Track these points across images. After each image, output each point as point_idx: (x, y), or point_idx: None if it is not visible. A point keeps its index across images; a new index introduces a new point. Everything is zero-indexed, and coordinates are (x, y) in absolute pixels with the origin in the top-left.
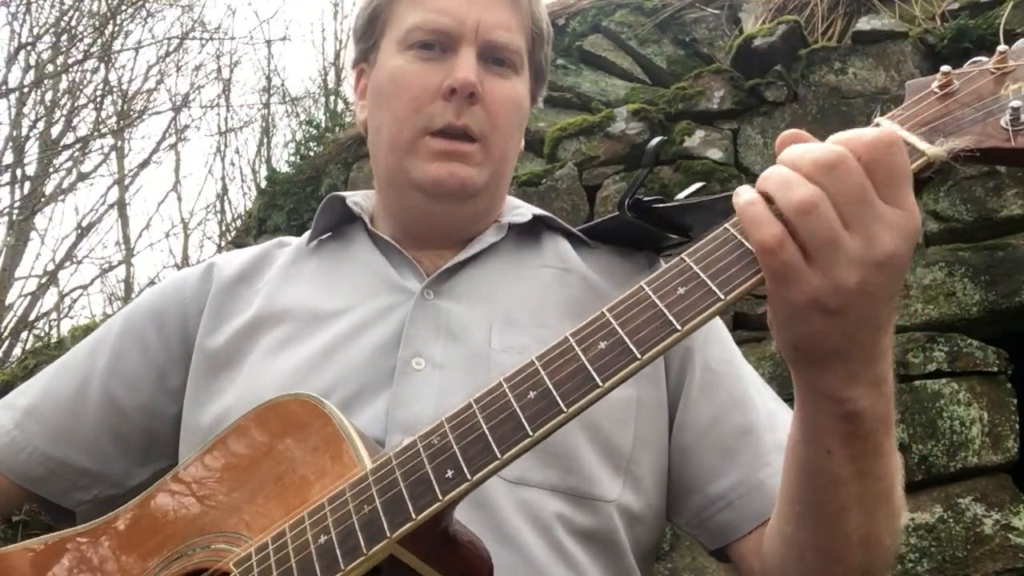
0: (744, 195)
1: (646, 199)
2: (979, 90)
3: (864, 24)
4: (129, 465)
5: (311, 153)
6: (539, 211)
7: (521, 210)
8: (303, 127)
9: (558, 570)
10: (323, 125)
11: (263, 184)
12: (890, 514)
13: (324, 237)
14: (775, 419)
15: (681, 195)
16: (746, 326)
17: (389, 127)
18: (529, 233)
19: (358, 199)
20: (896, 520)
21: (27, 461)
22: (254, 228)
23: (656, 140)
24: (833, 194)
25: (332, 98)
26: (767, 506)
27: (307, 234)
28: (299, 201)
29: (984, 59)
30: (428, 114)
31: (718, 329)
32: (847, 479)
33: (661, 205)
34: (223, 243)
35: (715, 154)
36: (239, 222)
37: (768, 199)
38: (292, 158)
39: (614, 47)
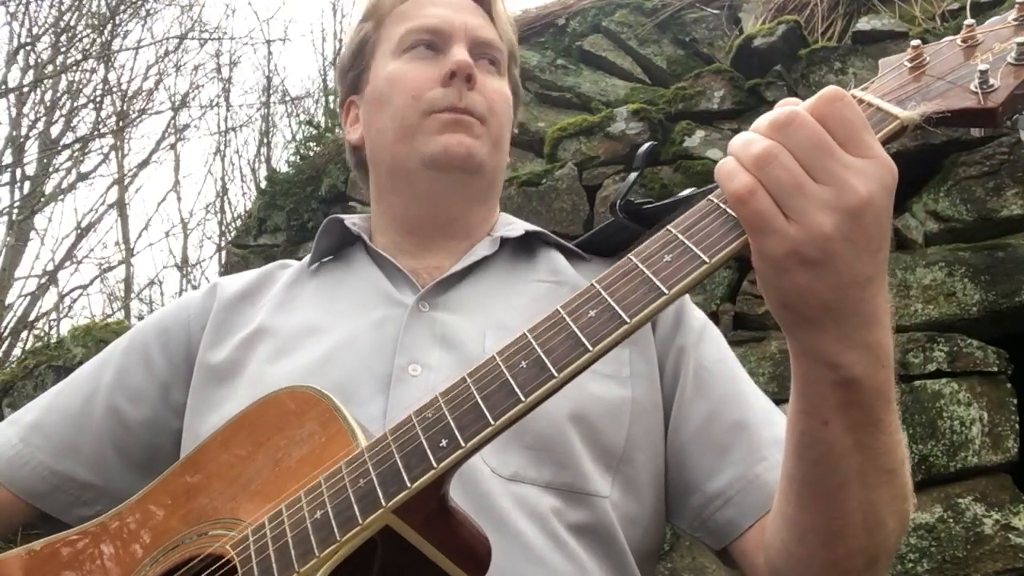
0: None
1: (637, 201)
2: (948, 61)
3: (864, 24)
4: (132, 480)
5: (311, 153)
6: (531, 227)
7: (514, 226)
8: (303, 127)
9: (556, 558)
10: (323, 125)
11: (263, 184)
12: (895, 496)
13: (325, 260)
14: (771, 416)
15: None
16: (746, 326)
17: (392, 120)
18: (523, 249)
19: (357, 220)
20: (902, 503)
21: (31, 475)
22: (254, 228)
23: (647, 144)
24: (791, 147)
25: (332, 98)
26: (765, 499)
27: (308, 257)
28: (299, 201)
29: (952, 36)
30: (429, 99)
31: (712, 331)
32: (845, 451)
33: (652, 205)
34: (223, 243)
35: (715, 154)
36: (239, 222)
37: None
38: (292, 158)
39: (614, 47)
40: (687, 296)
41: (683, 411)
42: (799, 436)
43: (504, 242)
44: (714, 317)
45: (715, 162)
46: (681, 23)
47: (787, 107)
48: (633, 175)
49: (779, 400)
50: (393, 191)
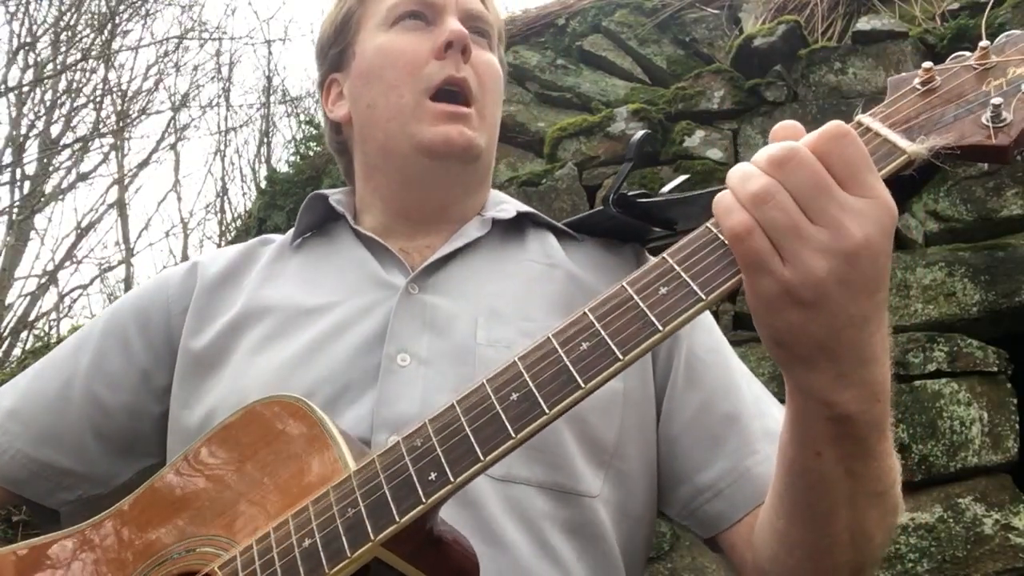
0: (722, 190)
1: (631, 194)
2: (960, 86)
3: (864, 24)
4: (113, 465)
5: (311, 153)
6: (523, 207)
7: (505, 206)
8: (303, 127)
9: (543, 567)
10: (323, 125)
11: (263, 184)
12: (884, 513)
13: (308, 235)
14: (762, 406)
15: (665, 188)
16: (746, 326)
17: (386, 96)
18: (514, 229)
19: (340, 197)
20: (890, 518)
21: (10, 463)
22: (254, 228)
23: (640, 133)
24: (790, 187)
25: None
26: (755, 494)
27: (291, 232)
28: (299, 201)
29: (966, 55)
30: (426, 75)
31: (705, 318)
32: (836, 480)
33: (645, 200)
34: (223, 243)
35: (715, 154)
36: (239, 222)
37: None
38: (292, 158)
39: (614, 47)
40: None
41: (675, 402)
42: (790, 463)
43: (495, 223)
44: (714, 316)
45: (715, 162)
46: (681, 23)
47: (787, 143)
48: (626, 165)
49: (780, 400)
50: (382, 171)
